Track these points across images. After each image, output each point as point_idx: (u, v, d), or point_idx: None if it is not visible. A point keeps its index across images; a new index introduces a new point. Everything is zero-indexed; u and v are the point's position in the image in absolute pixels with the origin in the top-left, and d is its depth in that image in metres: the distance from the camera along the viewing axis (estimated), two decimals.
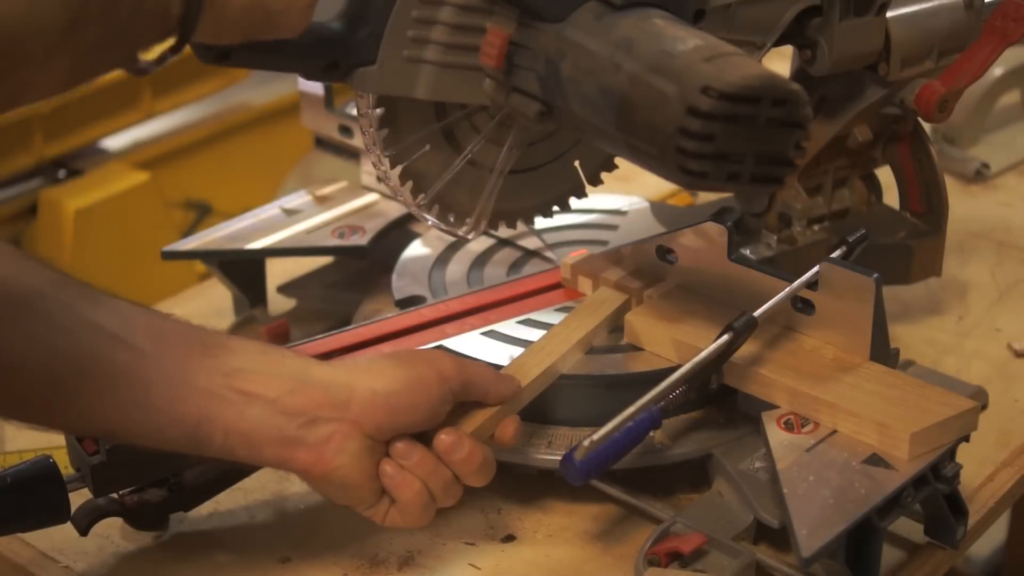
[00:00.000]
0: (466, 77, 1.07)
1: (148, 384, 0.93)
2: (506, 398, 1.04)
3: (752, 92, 0.92)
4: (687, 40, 0.96)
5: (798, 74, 1.25)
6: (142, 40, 0.87)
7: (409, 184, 1.13)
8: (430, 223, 1.16)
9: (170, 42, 0.88)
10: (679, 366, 1.05)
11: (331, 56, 1.03)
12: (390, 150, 1.10)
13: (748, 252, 1.28)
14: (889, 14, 1.19)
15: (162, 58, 0.90)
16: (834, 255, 1.08)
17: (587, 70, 0.99)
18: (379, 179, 1.14)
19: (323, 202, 1.40)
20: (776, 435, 1.04)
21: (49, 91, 0.82)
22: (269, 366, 0.97)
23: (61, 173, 2.05)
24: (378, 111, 1.09)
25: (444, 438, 1.00)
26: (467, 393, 1.02)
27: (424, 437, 1.00)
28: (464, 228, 1.16)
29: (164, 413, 0.93)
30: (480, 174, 1.15)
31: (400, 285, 1.26)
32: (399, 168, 1.11)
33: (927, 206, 1.32)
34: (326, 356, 1.12)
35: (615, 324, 1.15)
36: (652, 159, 0.97)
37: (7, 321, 0.90)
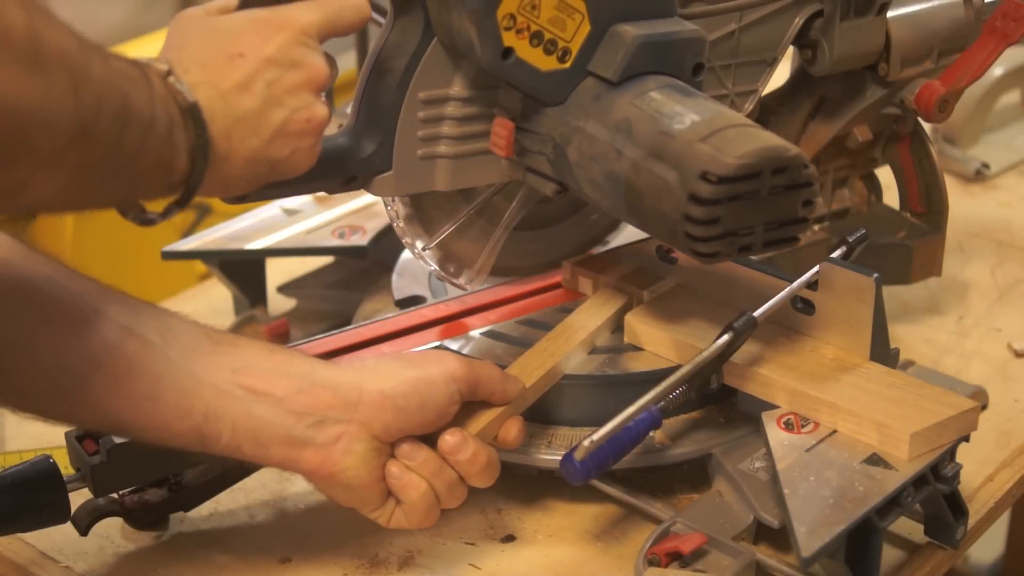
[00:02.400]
0: (482, 161, 1.08)
1: (157, 376, 0.93)
2: (511, 398, 1.04)
3: (750, 169, 0.93)
4: (684, 117, 0.97)
5: (798, 74, 1.25)
6: (145, 184, 0.88)
7: (417, 228, 1.14)
8: (431, 270, 1.17)
9: (174, 197, 0.90)
10: (679, 366, 1.05)
11: (346, 172, 1.05)
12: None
13: None
14: (889, 14, 1.19)
15: (167, 211, 0.92)
16: (834, 255, 1.08)
17: (592, 156, 1.01)
18: (390, 220, 1.15)
19: (323, 202, 1.40)
20: (776, 435, 1.04)
21: (47, 198, 0.81)
22: (277, 365, 0.97)
23: None
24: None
25: (449, 439, 1.00)
26: (474, 393, 1.02)
27: (429, 439, 1.00)
28: (463, 279, 1.17)
29: (172, 406, 0.93)
30: (487, 226, 1.15)
31: (400, 285, 1.26)
32: (409, 209, 1.12)
33: (927, 206, 1.32)
34: (326, 356, 1.12)
35: (616, 325, 1.15)
36: (665, 239, 0.99)
37: (17, 304, 0.90)
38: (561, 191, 1.06)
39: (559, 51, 1.01)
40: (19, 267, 0.92)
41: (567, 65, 1.02)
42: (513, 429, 1.04)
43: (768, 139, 0.96)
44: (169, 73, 0.89)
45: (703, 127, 0.96)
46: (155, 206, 0.93)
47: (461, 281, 1.16)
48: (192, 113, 0.88)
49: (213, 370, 0.94)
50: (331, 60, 0.99)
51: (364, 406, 0.97)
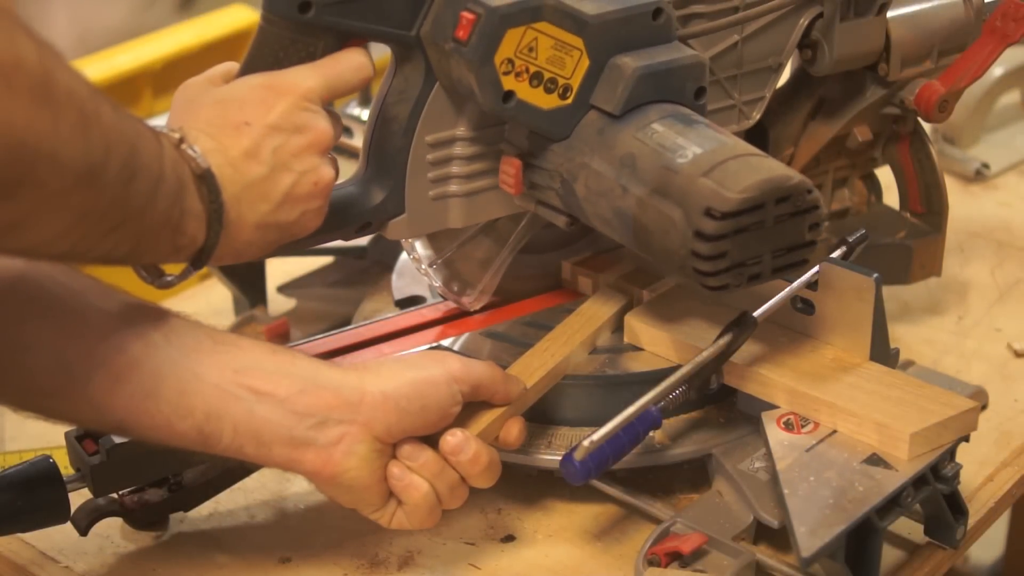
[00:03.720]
0: (493, 196, 1.09)
1: (159, 374, 0.92)
2: (512, 399, 1.04)
3: (754, 202, 0.94)
4: (686, 150, 0.97)
5: (798, 74, 1.25)
6: (152, 242, 0.89)
7: (425, 245, 1.14)
8: (433, 286, 1.17)
9: (185, 261, 0.93)
10: (679, 366, 1.05)
11: (360, 220, 1.06)
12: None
13: None
14: (889, 14, 1.19)
15: (184, 274, 0.95)
16: (834, 255, 1.08)
17: (599, 192, 1.01)
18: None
19: None
20: (776, 435, 1.04)
21: (49, 238, 0.81)
22: (280, 365, 0.97)
23: None
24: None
25: (450, 439, 0.99)
26: (475, 394, 1.02)
27: (431, 439, 1.00)
28: (466, 298, 1.17)
29: (174, 405, 0.93)
30: (493, 247, 1.15)
31: (400, 285, 1.26)
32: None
33: (927, 206, 1.32)
34: (326, 356, 1.12)
35: (616, 325, 1.15)
36: (674, 274, 0.99)
37: (19, 301, 0.90)
38: (573, 223, 1.06)
39: (560, 88, 1.02)
40: (20, 264, 0.92)
41: (569, 101, 1.03)
42: (514, 429, 1.04)
43: (770, 169, 0.96)
44: (182, 140, 0.91)
45: (705, 160, 0.96)
46: (170, 268, 0.96)
47: (464, 301, 1.17)
48: (206, 178, 0.90)
49: (215, 370, 0.94)
50: (335, 117, 1.00)
51: (366, 407, 0.97)
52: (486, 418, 1.03)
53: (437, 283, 1.16)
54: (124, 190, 0.82)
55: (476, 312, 1.19)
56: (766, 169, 0.96)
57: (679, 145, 0.98)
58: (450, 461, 1.00)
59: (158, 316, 0.95)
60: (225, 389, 0.94)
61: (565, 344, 1.11)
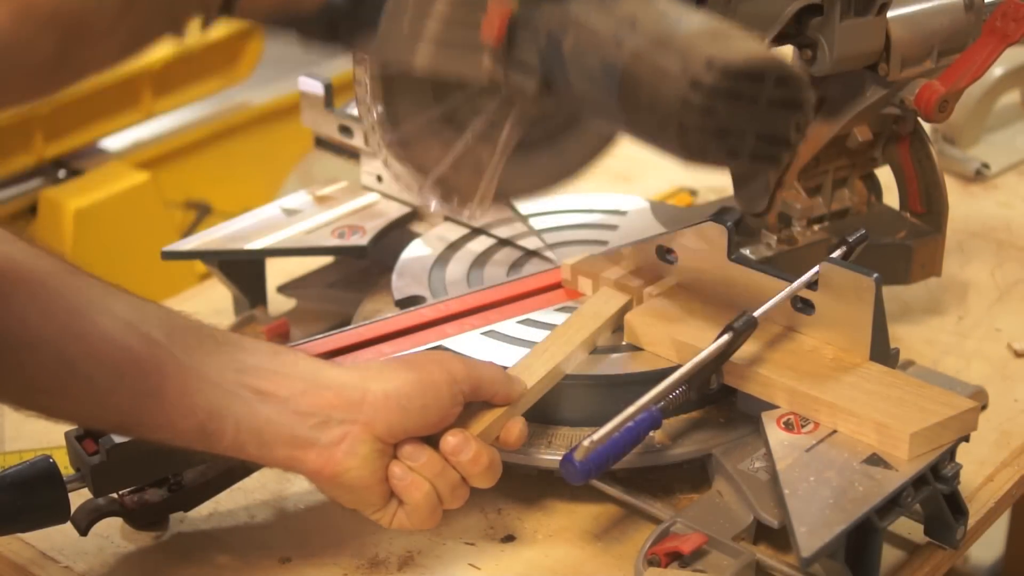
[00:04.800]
0: (465, 52, 1.06)
1: (161, 373, 0.93)
2: (513, 398, 1.04)
3: (755, 70, 0.92)
4: (692, 18, 0.96)
5: None
6: (186, 12, 0.89)
7: (388, 128, 1.11)
8: (433, 208, 1.15)
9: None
10: (679, 366, 1.05)
11: (330, 14, 1.01)
12: (390, 134, 1.10)
13: (748, 252, 1.28)
14: (889, 14, 1.19)
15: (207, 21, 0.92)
16: (834, 255, 1.08)
17: (590, 45, 0.99)
18: (384, 164, 1.13)
19: (323, 202, 1.40)
20: (776, 435, 1.04)
21: (107, 63, 0.85)
22: (282, 365, 0.97)
23: (61, 173, 2.05)
24: (379, 105, 1.09)
25: (451, 439, 1.00)
26: (476, 394, 1.02)
27: (432, 439, 1.00)
28: (467, 211, 1.15)
29: (176, 404, 0.93)
30: (483, 155, 1.14)
31: (400, 285, 1.26)
32: (382, 107, 1.10)
33: (927, 206, 1.32)
34: (326, 356, 1.12)
35: (616, 324, 1.15)
36: (653, 135, 0.96)
37: (22, 298, 0.90)
38: (543, 90, 1.03)
39: None
40: (22, 262, 0.91)
41: None
42: (515, 430, 1.04)
43: (776, 54, 0.95)
44: None
45: (713, 28, 0.95)
46: None
47: (466, 213, 1.15)
48: None
49: (217, 370, 0.94)
50: None
51: (368, 407, 0.97)
52: (487, 418, 1.03)
53: (434, 202, 1.14)
54: None
55: (476, 312, 1.19)
56: (773, 52, 0.95)
57: (685, 15, 0.97)
58: (451, 461, 1.00)
59: (161, 315, 0.95)
60: (228, 389, 0.94)
61: (565, 344, 1.11)
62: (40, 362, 0.91)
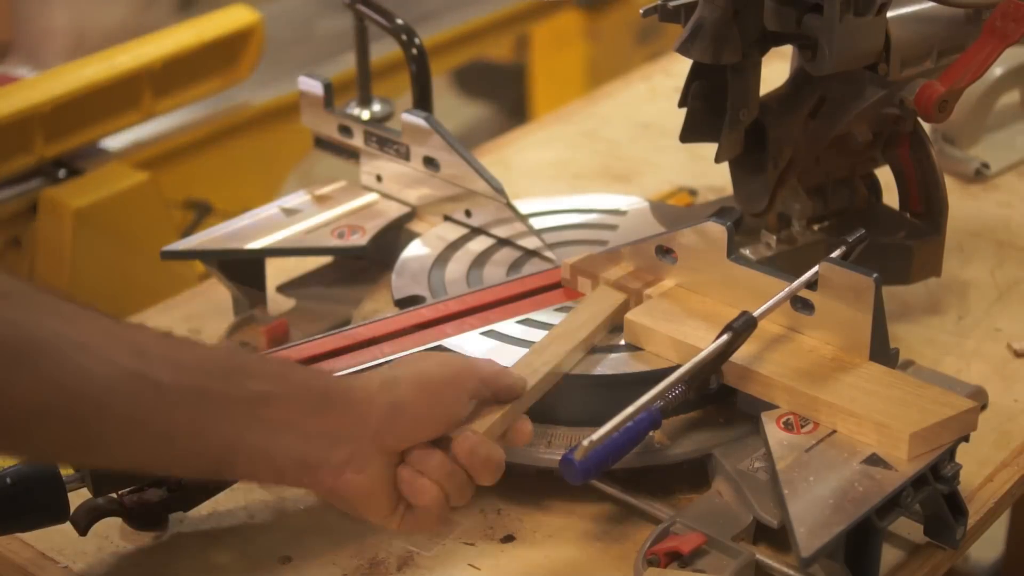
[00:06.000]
0: None
1: (170, 418, 0.92)
2: (516, 395, 1.04)
3: None
4: None
5: (798, 74, 1.25)
6: None
7: None
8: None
9: None
10: (679, 366, 1.05)
11: None
12: None
13: (748, 252, 1.28)
14: (889, 14, 1.19)
15: None
16: (834, 255, 1.08)
17: None
18: None
19: (323, 202, 1.40)
20: (776, 435, 1.03)
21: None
22: (290, 388, 0.97)
23: (61, 173, 2.04)
24: None
25: (463, 442, 0.99)
26: (479, 392, 1.02)
27: (440, 440, 1.00)
28: None
29: (186, 446, 0.94)
30: None
31: (400, 285, 1.26)
32: None
33: (927, 206, 1.32)
34: (326, 356, 1.13)
35: (615, 324, 1.15)
36: None
37: (28, 368, 0.88)
38: None
39: None
40: (24, 327, 0.89)
41: None
42: (525, 429, 1.04)
43: None
44: None
45: None
46: None
47: None
48: None
49: (228, 405, 0.94)
50: None
51: (374, 420, 0.97)
52: (490, 416, 1.02)
53: None
54: None
55: (476, 312, 1.19)
56: None
57: None
58: (462, 462, 0.99)
59: (165, 354, 0.93)
60: (238, 422, 0.94)
61: (565, 343, 1.11)
62: (51, 428, 0.90)
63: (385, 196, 1.40)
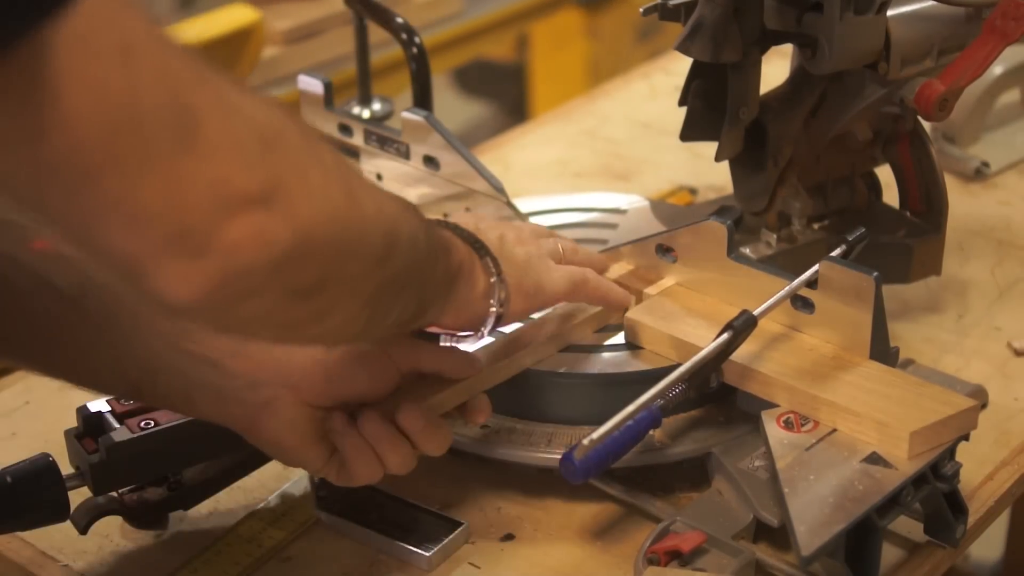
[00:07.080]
0: None
1: (96, 335, 0.96)
2: (466, 374, 1.04)
3: None
4: None
5: (798, 73, 1.25)
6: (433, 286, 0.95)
7: None
8: None
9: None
10: (679, 365, 1.05)
11: None
12: None
13: (748, 251, 1.28)
14: (889, 13, 1.19)
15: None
16: (834, 254, 1.08)
17: None
18: None
19: None
20: (776, 434, 1.04)
21: (344, 321, 0.85)
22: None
23: None
24: None
25: (402, 411, 0.99)
26: (418, 368, 1.02)
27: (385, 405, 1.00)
28: None
29: (111, 366, 0.97)
30: None
31: None
32: None
33: (927, 205, 1.32)
34: None
35: (599, 324, 1.15)
36: None
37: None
38: None
39: None
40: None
41: None
42: (478, 407, 1.04)
43: None
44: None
45: None
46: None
47: None
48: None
49: (154, 332, 0.96)
50: None
51: (295, 372, 0.98)
52: (438, 390, 1.02)
53: None
54: (408, 258, 0.87)
55: None
56: None
57: None
58: (404, 430, 0.99)
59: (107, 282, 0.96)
60: (160, 352, 0.97)
61: (533, 335, 1.10)
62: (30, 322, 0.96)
63: None
